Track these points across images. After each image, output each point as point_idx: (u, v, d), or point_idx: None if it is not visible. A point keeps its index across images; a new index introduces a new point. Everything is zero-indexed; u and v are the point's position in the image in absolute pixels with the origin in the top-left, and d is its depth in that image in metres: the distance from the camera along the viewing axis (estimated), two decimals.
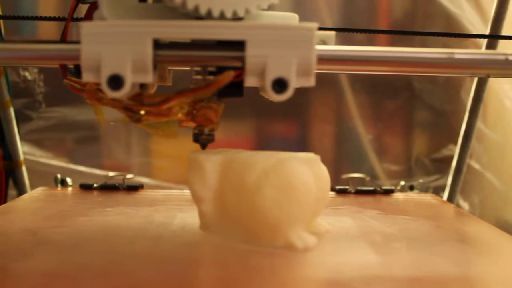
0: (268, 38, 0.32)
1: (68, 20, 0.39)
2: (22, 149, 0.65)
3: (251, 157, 0.36)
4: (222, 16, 0.33)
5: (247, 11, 0.34)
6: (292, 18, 0.37)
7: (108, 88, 0.32)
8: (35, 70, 0.73)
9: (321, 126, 0.79)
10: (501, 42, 0.62)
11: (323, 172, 0.37)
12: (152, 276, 0.30)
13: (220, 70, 0.35)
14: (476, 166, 0.76)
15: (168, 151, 0.77)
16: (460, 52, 0.36)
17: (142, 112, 0.35)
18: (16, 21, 0.73)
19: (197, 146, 0.42)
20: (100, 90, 0.35)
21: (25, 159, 0.66)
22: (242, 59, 0.33)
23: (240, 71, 0.33)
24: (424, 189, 0.64)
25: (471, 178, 0.76)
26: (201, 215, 0.38)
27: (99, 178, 0.70)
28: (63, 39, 0.39)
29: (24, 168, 0.65)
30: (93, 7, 0.39)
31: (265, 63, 0.32)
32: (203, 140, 0.38)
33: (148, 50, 0.32)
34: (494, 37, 0.61)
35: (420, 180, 0.65)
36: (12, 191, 0.65)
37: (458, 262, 0.34)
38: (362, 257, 0.34)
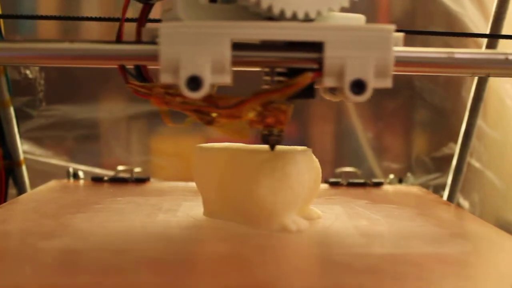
0: (347, 40, 0.33)
1: (122, 20, 0.38)
2: (22, 148, 0.65)
3: (250, 150, 0.40)
4: (294, 17, 0.33)
5: (318, 13, 0.34)
6: (359, 19, 0.37)
7: (187, 89, 0.32)
8: (36, 68, 0.73)
9: (321, 125, 0.79)
10: (501, 42, 0.62)
11: (315, 163, 0.41)
12: (162, 252, 0.34)
13: (291, 71, 0.35)
14: (477, 164, 0.76)
15: (168, 149, 0.77)
16: (460, 52, 0.36)
17: (214, 114, 0.35)
18: (16, 20, 0.73)
19: (197, 144, 0.42)
20: (168, 93, 0.35)
21: (25, 158, 0.66)
22: (319, 61, 0.33)
23: (318, 72, 0.33)
24: (412, 183, 0.66)
25: (471, 177, 0.76)
26: (205, 202, 0.42)
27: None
28: (119, 40, 0.38)
29: (24, 167, 0.66)
30: (147, 8, 0.39)
31: (343, 64, 0.33)
32: (272, 140, 0.38)
33: (227, 51, 0.32)
34: (494, 37, 0.61)
35: (408, 174, 0.66)
36: (12, 190, 0.65)
37: (432, 242, 0.38)
38: (347, 238, 0.38)
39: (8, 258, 0.33)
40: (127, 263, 0.32)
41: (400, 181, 0.64)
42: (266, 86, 0.37)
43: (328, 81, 0.33)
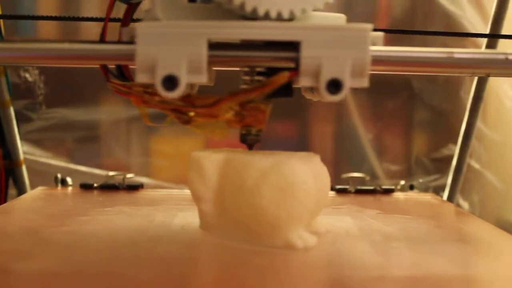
0: (323, 39, 0.32)
1: (106, 20, 0.38)
2: (22, 149, 0.65)
3: (251, 156, 0.36)
4: (267, 16, 0.33)
5: (291, 13, 0.34)
6: (339, 18, 0.37)
7: (163, 89, 0.32)
8: (36, 72, 0.73)
9: (321, 126, 0.79)
10: (501, 42, 0.62)
11: (323, 171, 0.37)
12: (152, 275, 0.30)
13: (271, 70, 0.35)
14: (476, 165, 0.76)
15: (168, 150, 0.77)
16: (460, 52, 0.35)
17: (192, 113, 0.35)
18: (16, 21, 0.73)
19: (197, 145, 0.42)
20: (147, 93, 0.35)
21: (25, 158, 0.66)
22: (296, 60, 0.33)
23: (295, 72, 0.33)
24: (424, 189, 0.65)
25: (471, 178, 0.76)
26: (201, 214, 0.38)
27: (99, 177, 0.70)
28: (102, 40, 0.38)
29: (24, 168, 0.66)
30: (131, 8, 0.39)
31: (320, 64, 0.32)
32: (250, 140, 0.38)
33: (203, 51, 0.32)
34: (493, 36, 0.61)
35: (420, 180, 0.65)
36: (12, 191, 0.65)
37: (457, 261, 0.34)
38: (361, 257, 0.34)
39: None
40: None
41: (411, 187, 0.62)
42: (244, 86, 0.36)
43: (305, 81, 0.33)
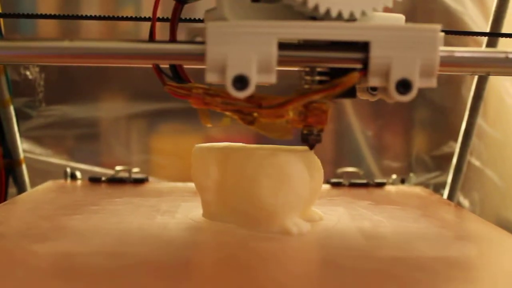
0: (393, 39, 0.33)
1: (153, 19, 0.38)
2: (22, 147, 0.65)
3: (250, 149, 0.40)
4: (339, 17, 0.33)
5: (363, 13, 0.34)
6: (400, 19, 0.37)
7: (233, 89, 0.32)
8: (36, 69, 0.73)
9: None
10: (502, 40, 0.62)
11: (316, 163, 0.40)
12: (159, 257, 0.33)
13: (333, 70, 0.35)
14: (477, 163, 0.76)
15: (168, 148, 0.77)
16: (460, 50, 0.36)
17: (256, 114, 0.35)
18: (16, 20, 0.73)
19: (196, 143, 0.42)
20: (208, 94, 0.35)
21: (25, 157, 0.66)
22: (364, 60, 0.33)
23: (363, 72, 0.33)
24: (414, 183, 0.65)
25: (471, 175, 0.76)
26: (204, 203, 0.41)
27: (100, 175, 0.70)
28: (152, 39, 0.38)
29: (24, 166, 0.66)
30: (179, 6, 0.39)
31: (389, 64, 0.33)
32: (312, 140, 0.37)
33: (273, 51, 0.32)
34: (494, 35, 0.61)
35: (411, 174, 0.66)
36: (12, 189, 0.65)
37: (437, 245, 0.37)
38: (350, 240, 0.37)
39: (0, 262, 0.32)
40: (123, 268, 0.31)
41: (403, 181, 0.64)
42: (306, 86, 0.36)
43: (374, 81, 0.33)
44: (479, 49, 0.48)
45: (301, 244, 0.37)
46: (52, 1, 0.75)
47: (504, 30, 0.61)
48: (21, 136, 0.65)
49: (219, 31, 0.32)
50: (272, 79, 0.33)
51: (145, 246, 0.35)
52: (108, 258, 0.32)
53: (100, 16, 0.47)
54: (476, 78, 0.65)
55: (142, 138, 0.77)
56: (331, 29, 0.33)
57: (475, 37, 0.71)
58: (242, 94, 0.32)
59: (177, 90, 0.37)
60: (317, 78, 0.36)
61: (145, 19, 0.45)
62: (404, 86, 0.33)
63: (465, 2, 0.74)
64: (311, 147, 0.38)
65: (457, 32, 0.62)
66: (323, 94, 0.34)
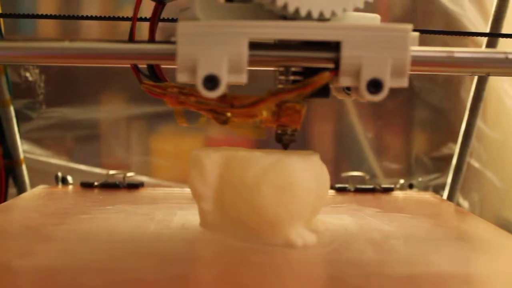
0: (364, 39, 0.33)
1: (134, 19, 0.38)
2: (22, 148, 0.65)
3: (250, 155, 0.36)
4: (308, 17, 0.33)
5: (333, 13, 0.34)
6: (374, 18, 0.38)
7: (204, 89, 0.32)
8: (37, 71, 0.73)
9: (320, 125, 0.79)
10: (501, 41, 0.62)
11: (322, 169, 0.37)
12: (152, 273, 0.30)
13: (307, 70, 0.35)
14: (476, 164, 0.76)
15: (168, 149, 0.77)
16: (460, 51, 0.36)
17: (229, 113, 0.35)
18: (16, 20, 0.73)
19: (196, 144, 0.42)
20: (183, 93, 0.35)
21: (25, 157, 0.66)
22: (335, 60, 0.33)
23: (334, 72, 0.33)
24: (423, 188, 0.65)
25: (471, 177, 0.76)
26: (201, 212, 0.39)
27: (99, 176, 0.70)
28: (132, 39, 0.38)
29: (24, 167, 0.66)
30: (159, 7, 0.39)
31: (360, 64, 0.33)
32: (286, 140, 0.37)
33: (244, 51, 0.32)
34: (493, 35, 0.61)
35: (420, 179, 0.65)
36: (12, 190, 0.65)
37: (455, 259, 0.34)
38: (360, 254, 0.34)
39: None
40: (112, 286, 0.29)
41: (411, 186, 0.62)
42: (280, 86, 0.36)
43: (345, 81, 0.33)
44: (479, 49, 0.48)
45: (306, 258, 0.34)
46: (52, 1, 0.75)
47: (504, 30, 0.61)
48: (21, 137, 0.65)
49: (189, 31, 0.32)
50: (243, 79, 0.33)
51: (136, 261, 0.32)
52: (96, 275, 0.30)
53: (100, 16, 0.47)
54: (475, 79, 0.65)
55: (142, 139, 0.77)
56: (302, 29, 0.33)
57: (474, 39, 0.71)
58: (213, 94, 0.32)
59: (152, 88, 0.37)
60: (291, 78, 0.36)
61: (145, 19, 0.45)
62: (375, 86, 0.33)
63: (463, 3, 0.74)
64: (285, 147, 0.38)
65: (457, 32, 0.62)
66: (294, 94, 0.34)
